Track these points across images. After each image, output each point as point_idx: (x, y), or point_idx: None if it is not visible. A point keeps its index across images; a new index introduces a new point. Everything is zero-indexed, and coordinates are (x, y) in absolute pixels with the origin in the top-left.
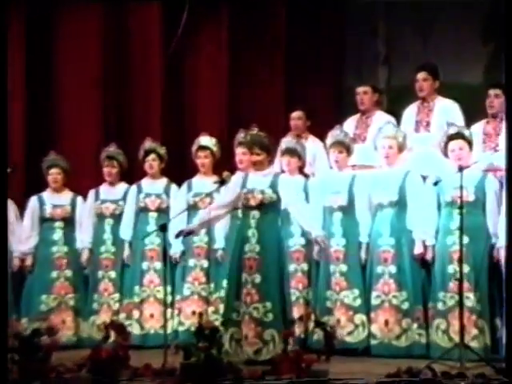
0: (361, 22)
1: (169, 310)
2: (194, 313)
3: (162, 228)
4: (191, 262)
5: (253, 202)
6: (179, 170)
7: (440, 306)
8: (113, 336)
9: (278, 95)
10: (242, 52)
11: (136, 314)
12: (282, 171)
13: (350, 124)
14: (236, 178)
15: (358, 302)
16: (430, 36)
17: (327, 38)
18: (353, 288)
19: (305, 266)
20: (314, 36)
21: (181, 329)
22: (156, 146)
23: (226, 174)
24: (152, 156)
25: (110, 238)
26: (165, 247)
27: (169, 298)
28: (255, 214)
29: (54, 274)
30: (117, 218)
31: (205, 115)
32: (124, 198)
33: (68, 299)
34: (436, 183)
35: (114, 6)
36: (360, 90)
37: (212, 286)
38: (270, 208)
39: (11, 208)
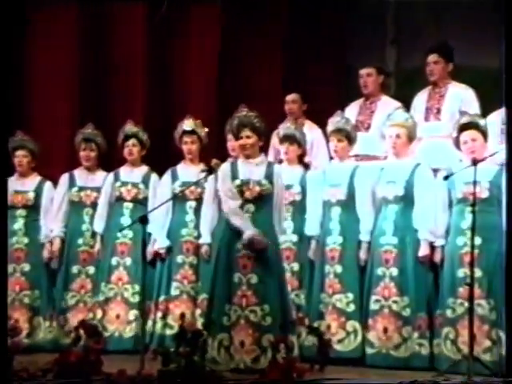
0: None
1: (133, 312)
2: (183, 315)
3: (142, 220)
4: (179, 259)
5: (248, 195)
6: (163, 157)
7: (449, 313)
8: (83, 338)
9: (275, 78)
10: (235, 29)
11: (99, 313)
12: (281, 160)
13: (352, 110)
14: (223, 168)
15: (352, 307)
16: (443, 13)
17: (329, 15)
18: (347, 291)
19: (295, 266)
20: (315, 12)
21: (168, 332)
22: (138, 131)
23: (214, 161)
24: (132, 141)
25: (89, 229)
26: (144, 241)
27: (135, 298)
28: (250, 207)
29: (10, 267)
30: (97, 207)
31: (194, 99)
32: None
33: (23, 296)
34: (447, 177)
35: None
36: (363, 72)
37: (199, 284)
38: (265, 201)
39: None
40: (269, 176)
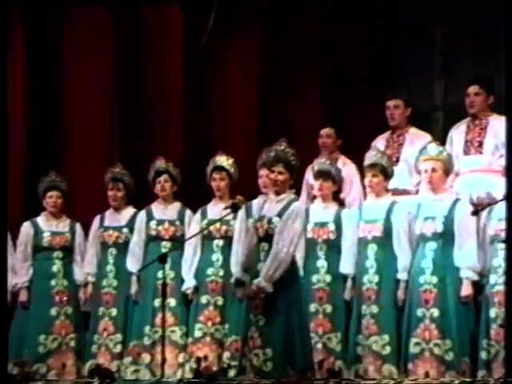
0: (414, 31)
1: (182, 355)
2: (205, 358)
3: (162, 259)
4: (204, 299)
5: (261, 233)
6: (197, 194)
7: (483, 355)
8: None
9: (315, 112)
10: (274, 64)
11: (146, 358)
12: (314, 197)
13: (379, 143)
14: (252, 204)
15: (388, 349)
16: (492, 49)
17: (374, 50)
18: (383, 333)
19: (328, 308)
20: (355, 45)
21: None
22: (168, 166)
23: (238, 198)
24: (164, 177)
25: (112, 270)
26: (164, 281)
27: (184, 340)
28: (264, 245)
29: (53, 311)
30: (120, 247)
31: (231, 133)
32: (128, 225)
33: (69, 340)
34: (475, 213)
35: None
36: (390, 103)
37: (227, 326)
38: None
39: None
40: (282, 213)
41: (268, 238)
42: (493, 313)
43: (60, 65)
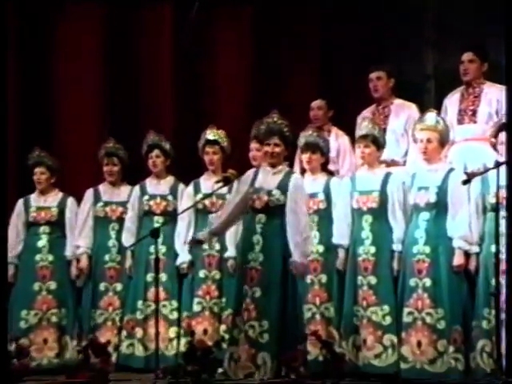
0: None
1: (173, 329)
2: (205, 331)
3: (153, 234)
4: (201, 273)
5: (258, 204)
6: (191, 169)
7: (484, 324)
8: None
9: (309, 84)
10: (268, 35)
11: (139, 332)
12: (304, 170)
13: (366, 116)
14: (246, 175)
15: (388, 320)
16: (486, 15)
17: (365, 20)
18: (383, 304)
19: (323, 278)
20: (350, 18)
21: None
22: (160, 140)
23: (231, 171)
24: (156, 152)
25: (115, 244)
26: (157, 256)
27: (174, 315)
28: (261, 217)
29: (36, 286)
30: (124, 222)
31: (222, 107)
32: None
33: (50, 315)
34: (466, 182)
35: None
36: (373, 75)
37: (224, 300)
38: (277, 212)
39: None
40: (282, 186)
41: (267, 210)
42: (494, 282)
43: (51, 41)
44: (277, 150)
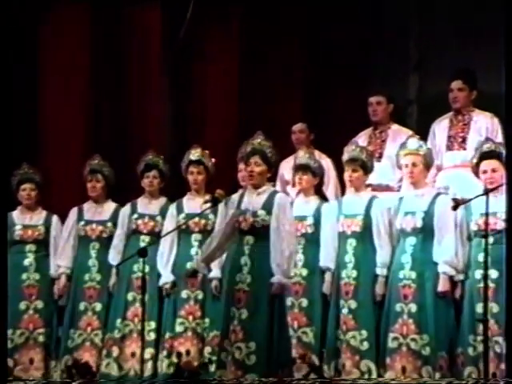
0: (390, 24)
1: (149, 350)
2: (188, 352)
3: (141, 253)
4: (184, 294)
5: (244, 226)
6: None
7: (470, 351)
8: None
9: (294, 106)
10: (254, 59)
11: (115, 351)
12: (299, 191)
13: (361, 139)
14: (232, 198)
15: (366, 345)
16: (468, 42)
17: (350, 43)
18: (361, 329)
19: (304, 302)
20: (337, 39)
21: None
22: (159, 161)
23: (219, 191)
24: (154, 172)
25: (95, 264)
26: (144, 275)
27: (151, 336)
28: (249, 239)
29: (22, 305)
30: (104, 241)
31: (211, 128)
32: (112, 219)
33: (37, 335)
34: (455, 207)
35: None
36: (373, 99)
37: (207, 321)
38: (264, 233)
39: None
40: (267, 206)
41: (254, 231)
42: (479, 308)
43: (37, 62)
44: (257, 169)
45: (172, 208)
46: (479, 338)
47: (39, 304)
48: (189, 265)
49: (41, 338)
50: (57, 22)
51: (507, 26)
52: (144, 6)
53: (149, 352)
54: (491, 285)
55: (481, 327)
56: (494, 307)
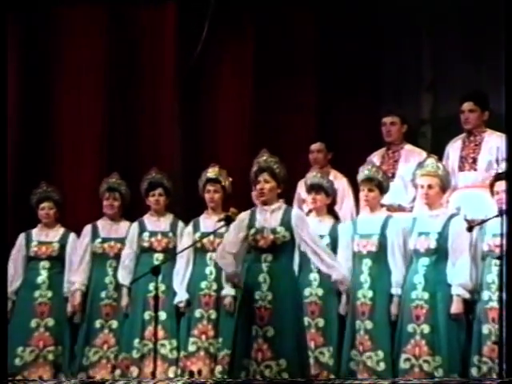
0: (403, 44)
1: (172, 369)
2: (199, 372)
3: (154, 271)
4: (197, 313)
5: (263, 244)
6: (191, 205)
7: (474, 372)
8: None
9: (307, 125)
10: (268, 76)
11: (135, 371)
12: (310, 211)
13: (374, 159)
14: (242, 216)
15: (382, 366)
16: (481, 62)
17: (363, 62)
18: (377, 349)
19: (320, 322)
20: (349, 59)
21: None
22: (163, 178)
23: (232, 210)
24: (159, 190)
25: (112, 281)
26: (156, 294)
27: (173, 354)
28: (267, 256)
29: (33, 322)
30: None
31: (223, 144)
32: None
33: (47, 353)
34: (470, 228)
35: (121, 10)
36: (387, 120)
37: (220, 340)
38: (283, 249)
39: None
40: (286, 223)
41: (273, 248)
42: (486, 329)
43: (51, 71)
44: (266, 186)
45: (189, 227)
46: (484, 359)
47: (50, 322)
48: (203, 284)
49: (50, 356)
50: (73, 24)
51: (507, 26)
52: (159, 12)
53: (172, 371)
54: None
55: (484, 348)
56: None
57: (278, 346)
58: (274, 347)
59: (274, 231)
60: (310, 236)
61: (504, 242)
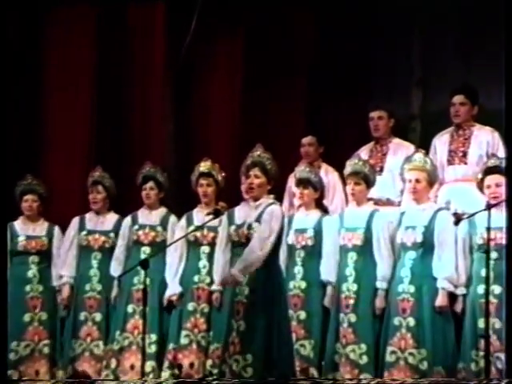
0: (394, 41)
1: (150, 363)
2: (191, 365)
3: (143, 264)
4: (190, 306)
5: (241, 239)
6: (183, 200)
7: (473, 366)
8: None
9: (297, 120)
10: (258, 73)
11: (113, 363)
12: (300, 205)
13: (363, 153)
14: (231, 211)
15: (365, 359)
16: (470, 59)
17: (354, 58)
18: (360, 342)
19: (302, 314)
20: (340, 57)
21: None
22: (156, 172)
23: (221, 204)
24: (150, 184)
25: (96, 274)
26: (145, 287)
27: (152, 349)
28: (241, 251)
29: (27, 317)
30: (106, 251)
31: (215, 140)
32: (115, 230)
33: (42, 346)
34: (457, 222)
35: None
36: (374, 114)
37: (211, 334)
38: None
39: None
40: (259, 219)
41: (247, 244)
42: (481, 323)
43: (40, 67)
44: (256, 181)
45: (182, 220)
46: (481, 353)
47: (43, 315)
48: (196, 278)
49: (46, 350)
50: (62, 23)
51: (507, 40)
52: (148, 10)
53: (150, 365)
54: (494, 300)
55: (482, 342)
56: (496, 323)
57: (246, 340)
58: (243, 342)
59: (249, 227)
60: (259, 230)
61: (500, 235)
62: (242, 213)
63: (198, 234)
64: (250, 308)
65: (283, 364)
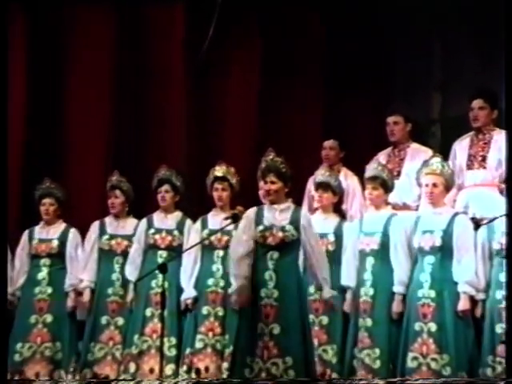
0: (414, 44)
1: (170, 366)
2: (207, 369)
3: (161, 268)
4: (204, 310)
5: (272, 241)
6: (199, 203)
7: (489, 372)
8: None
9: (314, 123)
10: (275, 75)
11: (132, 367)
12: (316, 208)
13: (381, 158)
14: (249, 214)
15: (378, 363)
16: (491, 63)
17: (373, 61)
18: (375, 347)
19: (324, 319)
20: (361, 59)
21: None
22: (171, 175)
23: (239, 208)
24: (165, 187)
25: (119, 278)
26: (163, 291)
27: (172, 352)
28: (273, 254)
29: (33, 318)
30: (128, 256)
31: (231, 142)
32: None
33: (44, 349)
34: (477, 227)
35: (130, 11)
36: (390, 119)
37: (227, 337)
38: (290, 248)
39: None
40: (294, 222)
41: (281, 246)
42: (499, 329)
43: (60, 70)
44: (273, 187)
45: (197, 224)
46: (498, 359)
47: (48, 318)
48: (210, 281)
49: (47, 352)
50: (82, 25)
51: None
52: (167, 12)
53: (170, 368)
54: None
55: (498, 348)
56: None
57: (284, 343)
58: (280, 345)
59: (283, 229)
60: (315, 238)
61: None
62: (262, 216)
63: (213, 237)
64: (283, 311)
65: (309, 368)
